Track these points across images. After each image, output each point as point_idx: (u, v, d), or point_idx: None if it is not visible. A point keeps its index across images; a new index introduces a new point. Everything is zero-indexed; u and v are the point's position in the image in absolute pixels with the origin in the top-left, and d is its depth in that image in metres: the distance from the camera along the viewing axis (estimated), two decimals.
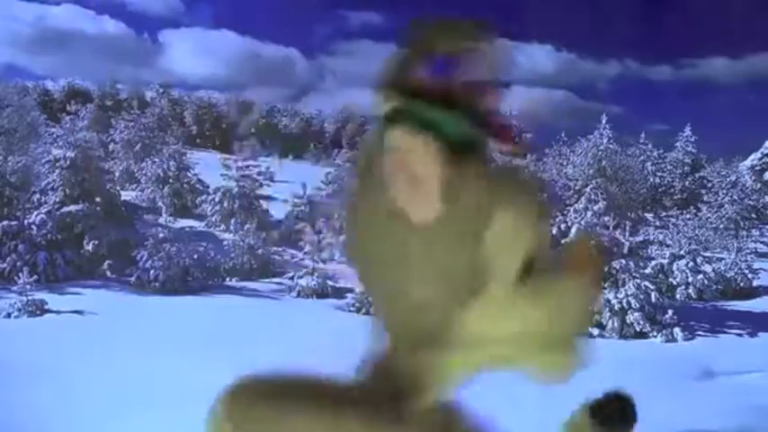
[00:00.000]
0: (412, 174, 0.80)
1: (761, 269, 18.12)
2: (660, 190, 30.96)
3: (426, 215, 0.81)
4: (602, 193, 15.68)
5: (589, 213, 13.18)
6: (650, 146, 31.58)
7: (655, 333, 11.77)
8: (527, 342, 0.85)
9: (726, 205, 27.05)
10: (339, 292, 15.92)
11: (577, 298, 0.84)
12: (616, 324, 11.84)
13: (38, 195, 17.97)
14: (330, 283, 16.33)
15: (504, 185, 0.86)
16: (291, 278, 16.67)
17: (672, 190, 31.82)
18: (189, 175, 24.89)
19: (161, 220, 19.41)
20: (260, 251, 18.50)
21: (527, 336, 0.84)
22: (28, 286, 12.77)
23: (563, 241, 13.00)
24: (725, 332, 12.31)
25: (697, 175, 32.75)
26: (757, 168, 38.12)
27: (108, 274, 16.26)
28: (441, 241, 0.83)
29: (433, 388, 0.94)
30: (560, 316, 0.83)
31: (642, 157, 29.86)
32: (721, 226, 25.96)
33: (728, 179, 29.64)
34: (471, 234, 0.83)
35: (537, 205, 0.87)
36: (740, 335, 12.14)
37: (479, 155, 0.89)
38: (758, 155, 39.53)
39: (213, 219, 22.08)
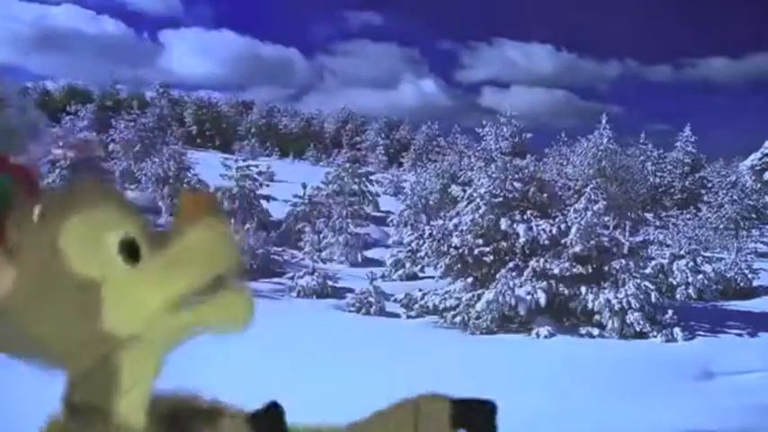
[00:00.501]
0: None
1: (761, 269, 18.13)
2: (660, 190, 30.99)
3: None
4: (602, 193, 15.68)
5: (589, 213, 13.17)
6: (650, 146, 31.63)
7: (655, 333, 11.77)
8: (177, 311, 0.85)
9: (726, 205, 27.07)
10: (339, 292, 15.94)
11: (196, 241, 0.84)
12: (616, 324, 11.84)
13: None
14: (330, 283, 16.35)
15: (55, 210, 0.85)
16: (291, 278, 16.68)
17: (672, 190, 31.84)
18: (189, 175, 24.91)
19: (161, 221, 19.42)
20: (260, 251, 18.51)
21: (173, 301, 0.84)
22: None
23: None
24: (725, 332, 12.31)
25: (697, 175, 32.79)
26: (757, 168, 38.11)
27: None
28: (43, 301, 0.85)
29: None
30: (199, 261, 0.83)
31: (642, 157, 29.89)
32: (721, 226, 25.99)
33: (728, 179, 29.68)
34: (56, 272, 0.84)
35: (92, 200, 0.85)
36: (740, 335, 12.14)
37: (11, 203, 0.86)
38: (758, 155, 39.52)
39: None
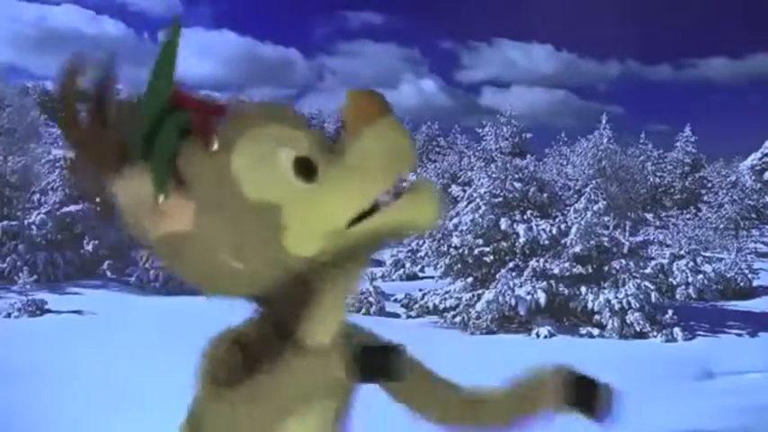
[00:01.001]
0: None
1: (761, 269, 18.12)
2: (660, 190, 30.98)
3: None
4: (602, 193, 15.68)
5: (589, 213, 13.16)
6: (650, 146, 31.61)
7: (655, 333, 11.77)
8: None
9: (726, 205, 27.07)
10: None
11: (377, 145, 0.79)
12: (616, 324, 11.84)
13: (38, 195, 17.98)
14: None
15: (224, 137, 0.82)
16: None
17: (672, 190, 31.83)
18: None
19: None
20: None
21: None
22: (28, 286, 12.78)
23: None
24: (725, 332, 12.30)
25: (697, 175, 32.76)
26: (757, 168, 38.10)
27: (108, 274, 16.26)
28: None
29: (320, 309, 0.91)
30: (377, 162, 0.79)
31: (642, 157, 29.88)
32: (721, 226, 25.98)
33: (728, 179, 29.66)
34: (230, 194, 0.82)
35: (269, 118, 0.83)
36: (740, 335, 12.14)
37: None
38: (758, 155, 39.52)
39: None
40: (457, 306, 12.92)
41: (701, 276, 15.29)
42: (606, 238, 13.30)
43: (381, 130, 0.78)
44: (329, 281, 0.87)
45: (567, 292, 12.41)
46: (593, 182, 17.21)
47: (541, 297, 12.07)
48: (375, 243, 0.84)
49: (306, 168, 0.77)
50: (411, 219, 0.81)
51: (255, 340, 0.92)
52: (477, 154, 17.83)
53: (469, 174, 17.90)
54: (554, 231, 13.10)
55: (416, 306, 13.61)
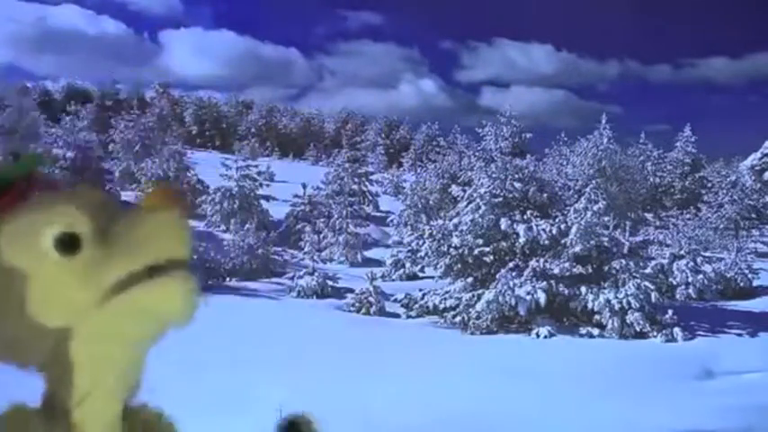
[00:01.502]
0: None
1: (761, 269, 18.11)
2: (660, 190, 30.96)
3: None
4: (602, 193, 15.67)
5: (589, 213, 13.16)
6: (650, 146, 31.60)
7: (655, 333, 11.77)
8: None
9: (726, 205, 27.06)
10: (339, 292, 15.94)
11: (157, 227, 0.80)
12: (616, 324, 11.84)
13: None
14: (330, 283, 16.34)
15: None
16: (291, 278, 16.69)
17: (672, 190, 31.82)
18: (189, 175, 24.90)
19: None
20: (260, 251, 18.51)
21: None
22: None
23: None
24: (725, 332, 12.31)
25: (697, 175, 32.75)
26: (757, 168, 38.10)
27: None
28: None
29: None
30: (143, 248, 0.80)
31: (642, 157, 29.89)
32: (721, 226, 25.98)
33: (728, 179, 29.64)
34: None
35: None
36: (740, 335, 12.14)
37: None
38: (758, 155, 39.52)
39: (213, 219, 22.10)
40: (457, 306, 12.92)
41: (700, 276, 15.28)
42: (606, 238, 13.30)
43: (148, 217, 0.81)
44: (87, 357, 0.89)
45: (566, 292, 12.41)
46: (593, 182, 17.20)
47: (541, 297, 12.07)
48: (131, 324, 0.86)
49: (67, 244, 0.80)
50: (153, 304, 0.83)
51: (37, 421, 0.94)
52: (477, 154, 17.82)
53: (469, 174, 17.88)
54: (554, 231, 13.10)
55: (416, 306, 13.61)
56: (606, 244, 13.20)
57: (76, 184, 0.88)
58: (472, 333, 12.32)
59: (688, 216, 25.52)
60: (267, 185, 25.36)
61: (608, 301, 11.99)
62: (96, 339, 0.86)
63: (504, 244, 13.59)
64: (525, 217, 13.67)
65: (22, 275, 0.81)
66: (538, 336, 11.80)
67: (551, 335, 11.79)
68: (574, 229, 12.91)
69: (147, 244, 0.78)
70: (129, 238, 0.78)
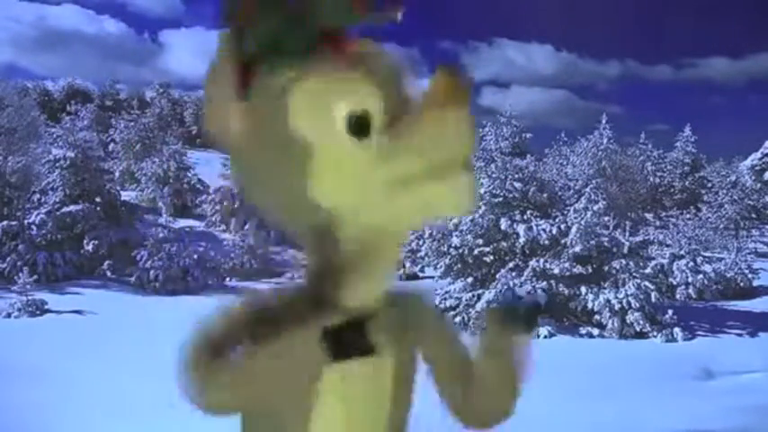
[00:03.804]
0: None
1: (761, 269, 18.10)
2: (660, 190, 30.94)
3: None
4: (602, 193, 15.68)
5: (589, 213, 13.16)
6: (650, 146, 31.57)
7: (655, 333, 11.77)
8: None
9: (726, 205, 27.05)
10: None
11: (447, 125, 0.81)
12: (616, 324, 11.84)
13: (38, 195, 17.98)
14: None
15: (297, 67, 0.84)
16: (291, 278, 16.68)
17: (672, 190, 31.80)
18: (189, 175, 24.89)
19: (161, 220, 19.42)
20: (260, 251, 18.51)
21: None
22: (28, 286, 12.78)
23: None
24: (725, 332, 12.30)
25: (697, 175, 32.74)
26: (757, 168, 38.08)
27: (108, 274, 16.26)
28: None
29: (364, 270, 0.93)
30: (433, 146, 0.80)
31: (642, 157, 29.87)
32: (721, 226, 25.97)
33: (728, 179, 29.64)
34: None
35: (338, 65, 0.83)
36: (740, 335, 12.14)
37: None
38: (758, 155, 39.48)
39: (213, 219, 22.09)
40: (457, 306, 12.92)
41: (700, 276, 15.28)
42: (606, 238, 13.30)
43: (440, 114, 0.80)
44: (360, 244, 0.88)
45: (566, 292, 12.41)
46: (593, 182, 17.22)
47: (541, 297, 12.06)
48: (409, 217, 0.87)
49: (359, 125, 0.79)
50: (440, 202, 0.83)
51: (283, 311, 0.94)
52: (477, 154, 17.86)
53: None
54: (554, 231, 13.10)
55: None
56: (606, 244, 13.20)
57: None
58: (472, 333, 12.32)
59: (688, 216, 25.50)
60: None
61: (608, 301, 11.99)
62: (374, 229, 0.85)
63: (504, 244, 13.58)
64: (525, 217, 13.67)
65: (311, 149, 0.80)
66: (538, 336, 11.80)
67: (551, 335, 11.79)
68: (574, 229, 12.91)
69: (436, 143, 0.78)
70: (419, 134, 0.77)
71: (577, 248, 12.75)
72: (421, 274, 17.93)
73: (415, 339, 1.02)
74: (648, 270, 13.84)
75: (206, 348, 0.96)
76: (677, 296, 14.88)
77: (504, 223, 13.48)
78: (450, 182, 0.80)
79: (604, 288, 12.39)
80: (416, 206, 0.83)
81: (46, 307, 12.41)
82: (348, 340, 0.90)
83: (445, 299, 13.18)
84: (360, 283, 0.90)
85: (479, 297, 12.63)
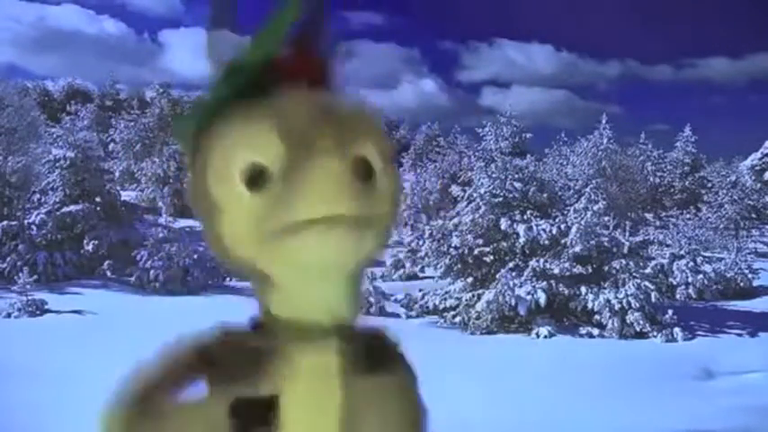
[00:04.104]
0: None
1: (761, 269, 18.11)
2: (660, 190, 30.95)
3: None
4: (602, 193, 15.69)
5: (589, 213, 13.17)
6: (650, 146, 31.59)
7: (655, 333, 11.77)
8: None
9: (726, 205, 27.07)
10: None
11: (305, 177, 0.77)
12: (616, 324, 11.84)
13: (38, 195, 17.98)
14: None
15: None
16: None
17: (672, 190, 31.81)
18: (189, 174, 24.87)
19: (161, 220, 19.42)
20: None
21: None
22: (28, 286, 12.78)
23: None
24: (725, 332, 12.31)
25: (697, 175, 32.76)
26: (757, 168, 38.11)
27: (108, 274, 16.26)
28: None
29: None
30: (294, 199, 0.80)
31: (642, 157, 29.89)
32: (721, 226, 25.98)
33: (728, 179, 29.65)
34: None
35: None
36: (740, 335, 12.14)
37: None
38: (758, 155, 39.52)
39: None
40: (457, 306, 12.93)
41: (700, 276, 15.29)
42: (606, 238, 13.30)
43: (306, 168, 0.78)
44: (279, 289, 0.88)
45: (566, 292, 12.41)
46: (593, 182, 17.22)
47: (541, 297, 12.07)
48: (292, 271, 0.86)
49: (253, 177, 0.79)
50: (302, 258, 0.82)
51: (229, 354, 0.93)
52: (477, 154, 17.86)
53: (469, 174, 17.90)
54: (554, 231, 13.10)
55: (416, 306, 13.61)
56: (606, 244, 13.20)
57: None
58: (472, 333, 12.32)
59: (688, 216, 25.52)
60: None
61: (608, 301, 11.99)
62: (282, 273, 0.84)
63: (504, 244, 13.59)
64: (525, 217, 13.67)
65: (216, 202, 0.81)
66: (538, 336, 11.80)
67: (551, 335, 11.80)
68: (574, 229, 12.91)
69: (296, 196, 0.75)
70: (298, 185, 0.75)
71: (577, 248, 12.75)
72: (421, 275, 17.94)
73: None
74: (648, 270, 13.84)
75: (133, 404, 0.94)
76: (677, 296, 14.88)
77: (504, 223, 13.48)
78: (302, 236, 0.76)
79: (604, 288, 12.39)
80: (284, 261, 0.83)
81: (46, 307, 12.41)
82: (252, 420, 0.84)
83: (445, 299, 13.18)
84: (295, 342, 0.89)
85: (479, 297, 12.64)
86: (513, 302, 12.11)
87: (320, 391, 0.86)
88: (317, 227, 0.75)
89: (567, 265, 12.53)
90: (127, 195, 22.79)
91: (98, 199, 18.11)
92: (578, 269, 12.53)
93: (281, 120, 0.78)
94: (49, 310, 12.36)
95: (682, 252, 16.08)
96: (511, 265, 12.99)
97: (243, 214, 0.80)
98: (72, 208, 17.15)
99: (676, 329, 11.80)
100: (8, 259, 15.33)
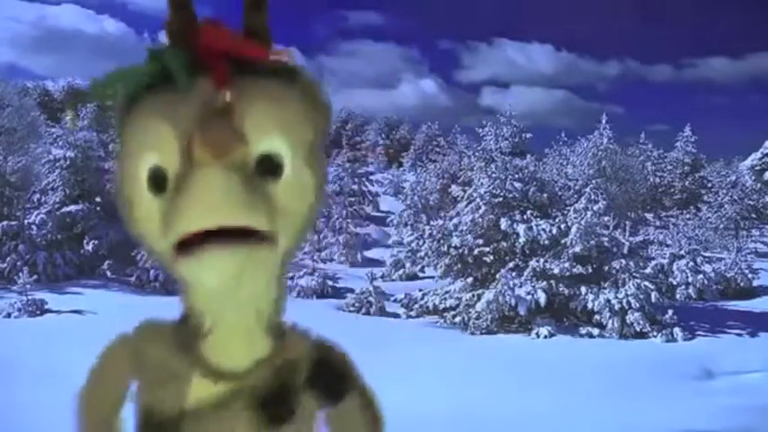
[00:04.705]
0: None
1: (761, 269, 18.11)
2: (660, 190, 30.96)
3: None
4: (602, 193, 15.68)
5: (589, 213, 13.17)
6: (650, 146, 31.60)
7: (655, 333, 11.78)
8: None
9: (726, 205, 27.07)
10: (339, 292, 15.93)
11: (190, 189, 0.73)
12: (616, 324, 11.85)
13: (38, 195, 17.98)
14: (330, 283, 16.34)
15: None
16: (291, 278, 16.68)
17: (672, 190, 31.82)
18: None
19: None
20: None
21: None
22: (28, 286, 12.78)
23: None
24: (725, 332, 12.31)
25: (697, 175, 32.77)
26: (757, 168, 38.10)
27: (108, 274, 16.26)
28: None
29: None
30: (179, 211, 0.76)
31: (642, 157, 29.88)
32: (721, 226, 25.98)
33: (728, 179, 29.66)
34: None
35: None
36: (740, 335, 12.14)
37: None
38: (758, 155, 39.51)
39: None
40: (457, 306, 12.93)
41: (700, 276, 15.29)
42: (606, 238, 13.30)
43: (202, 175, 0.75)
44: (194, 295, 0.88)
45: (566, 292, 12.41)
46: (593, 182, 17.21)
47: (541, 297, 12.07)
48: (197, 284, 0.85)
49: (155, 181, 0.78)
50: (191, 276, 0.81)
51: (156, 348, 0.93)
52: (477, 154, 17.85)
53: (469, 174, 17.90)
54: (554, 231, 13.10)
55: (416, 306, 13.60)
56: (606, 244, 13.20)
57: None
58: (472, 333, 12.32)
59: (688, 216, 25.53)
60: None
61: (608, 301, 11.99)
62: (190, 283, 0.84)
63: (504, 244, 13.59)
64: (525, 217, 13.67)
65: (129, 200, 0.81)
66: (538, 336, 11.80)
67: (551, 335, 11.80)
68: (574, 229, 12.91)
69: (189, 208, 0.72)
70: (183, 197, 0.72)
71: (577, 248, 12.75)
72: (421, 275, 17.94)
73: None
74: (648, 270, 13.84)
75: (93, 424, 0.99)
76: (677, 296, 14.88)
77: (504, 223, 13.48)
78: (188, 259, 0.72)
79: (604, 288, 12.39)
80: (184, 275, 0.82)
81: (46, 307, 12.41)
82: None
83: (445, 299, 13.19)
84: (221, 336, 0.88)
85: (479, 297, 12.64)
86: (513, 302, 12.11)
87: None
88: (200, 246, 0.71)
89: (566, 265, 12.53)
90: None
91: (98, 199, 18.10)
92: (578, 269, 12.53)
93: (178, 122, 0.75)
94: (49, 310, 12.35)
95: (682, 252, 16.08)
96: (511, 265, 12.99)
97: (149, 216, 0.79)
98: (72, 208, 17.15)
99: (676, 329, 11.80)
100: (8, 259, 15.33)
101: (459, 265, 13.77)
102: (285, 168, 0.77)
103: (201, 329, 0.87)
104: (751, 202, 28.01)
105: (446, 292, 13.37)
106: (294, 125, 0.80)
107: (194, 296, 0.84)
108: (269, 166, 0.76)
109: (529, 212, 13.87)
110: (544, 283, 12.36)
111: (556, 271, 12.44)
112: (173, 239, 0.73)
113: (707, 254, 18.12)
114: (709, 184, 30.79)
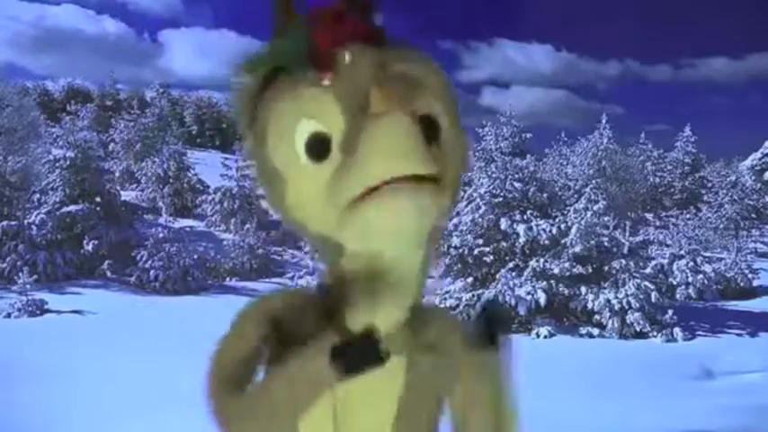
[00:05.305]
0: None
1: (761, 269, 18.12)
2: (660, 190, 30.95)
3: None
4: (602, 193, 15.68)
5: (589, 213, 13.17)
6: (650, 146, 31.58)
7: (655, 333, 11.78)
8: None
9: (726, 205, 27.05)
10: None
11: (376, 138, 0.74)
12: (616, 324, 11.85)
13: (38, 195, 17.97)
14: None
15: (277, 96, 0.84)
16: (291, 278, 16.68)
17: (672, 190, 31.80)
18: (189, 175, 24.90)
19: (161, 220, 19.44)
20: (260, 251, 18.50)
21: None
22: (28, 286, 12.77)
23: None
24: (725, 332, 12.31)
25: (697, 175, 32.76)
26: (757, 168, 38.09)
27: (108, 274, 16.25)
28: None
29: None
30: (364, 163, 0.77)
31: (642, 157, 29.87)
32: (721, 226, 25.96)
33: (728, 179, 29.66)
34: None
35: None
36: (740, 335, 12.14)
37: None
38: (758, 155, 39.49)
39: (213, 219, 22.08)
40: (457, 306, 12.92)
41: (700, 276, 15.28)
42: (606, 238, 13.30)
43: (381, 128, 0.74)
44: (361, 264, 0.86)
45: (566, 292, 12.41)
46: (593, 182, 17.21)
47: (541, 297, 12.07)
48: (366, 239, 0.83)
49: (316, 147, 0.77)
50: (373, 223, 0.79)
51: (295, 317, 0.92)
52: (477, 154, 17.90)
53: (469, 174, 17.87)
54: (554, 231, 13.10)
55: None
56: (606, 244, 13.20)
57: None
58: None
59: (688, 216, 25.52)
60: None
61: (608, 301, 12.00)
62: (355, 240, 0.82)
63: (504, 244, 13.59)
64: (525, 217, 13.67)
65: (280, 174, 0.80)
66: (538, 336, 11.80)
67: (551, 335, 11.80)
68: (574, 229, 12.91)
69: (366, 159, 0.72)
70: (365, 149, 0.72)
71: (577, 248, 12.75)
72: None
73: (439, 353, 0.97)
74: (648, 270, 13.83)
75: (224, 379, 0.95)
76: (677, 296, 14.87)
77: (504, 223, 13.48)
78: (378, 202, 0.73)
79: (604, 288, 12.39)
80: (361, 229, 0.79)
81: (46, 307, 12.41)
82: (357, 355, 0.85)
83: (445, 299, 13.18)
84: (365, 305, 0.87)
85: (479, 297, 12.63)
86: (513, 302, 12.11)
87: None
88: (391, 189, 0.72)
89: (566, 265, 12.53)
90: (127, 195, 22.76)
91: (98, 199, 18.10)
92: (578, 269, 12.53)
93: (338, 84, 0.76)
94: (48, 310, 12.35)
95: (682, 252, 16.08)
96: (511, 265, 12.99)
97: (309, 186, 0.78)
98: (72, 208, 17.14)
99: (676, 329, 11.80)
100: (8, 259, 15.32)
101: (459, 265, 13.77)
102: (441, 131, 0.79)
103: (350, 298, 0.86)
104: (751, 202, 27.99)
105: (446, 292, 13.36)
106: (446, 90, 0.85)
107: (368, 241, 0.82)
108: (428, 127, 0.77)
109: (529, 212, 13.88)
110: (544, 283, 12.36)
111: (556, 271, 12.45)
112: (355, 192, 0.73)
113: (707, 254, 18.10)
114: (709, 184, 30.79)
